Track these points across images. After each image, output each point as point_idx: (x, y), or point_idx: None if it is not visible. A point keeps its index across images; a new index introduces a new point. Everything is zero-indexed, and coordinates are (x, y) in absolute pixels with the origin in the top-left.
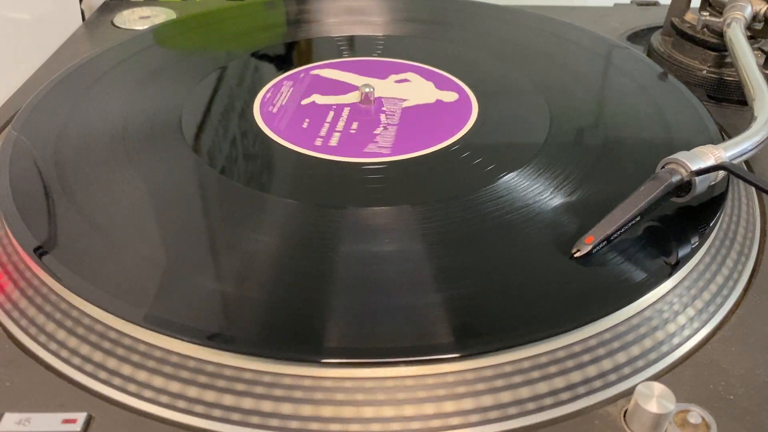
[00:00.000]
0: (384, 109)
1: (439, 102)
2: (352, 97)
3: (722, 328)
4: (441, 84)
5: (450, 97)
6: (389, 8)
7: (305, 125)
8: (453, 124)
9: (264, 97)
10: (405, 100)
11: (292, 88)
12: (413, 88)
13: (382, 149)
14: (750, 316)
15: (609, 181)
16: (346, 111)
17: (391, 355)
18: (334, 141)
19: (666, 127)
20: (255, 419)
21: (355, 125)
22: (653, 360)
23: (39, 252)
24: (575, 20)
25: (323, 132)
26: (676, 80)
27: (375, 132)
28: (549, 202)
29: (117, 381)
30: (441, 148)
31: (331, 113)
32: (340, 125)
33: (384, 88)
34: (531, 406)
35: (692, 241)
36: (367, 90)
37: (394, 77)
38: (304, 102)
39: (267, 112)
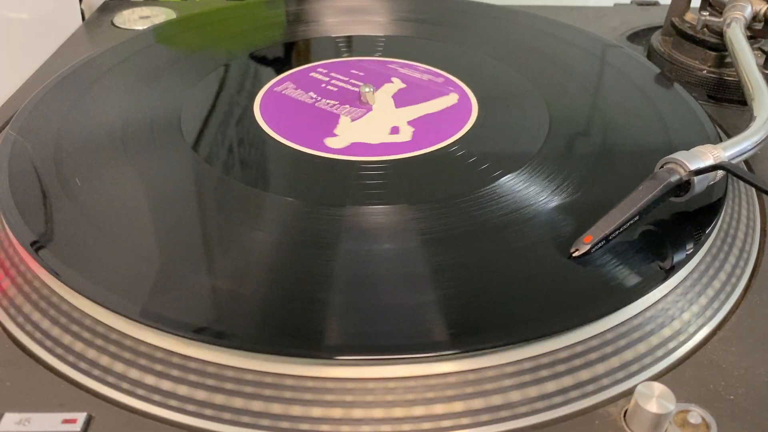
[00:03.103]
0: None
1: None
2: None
3: (722, 328)
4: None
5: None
6: (390, 8)
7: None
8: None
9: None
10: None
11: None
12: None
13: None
14: (750, 316)
15: (607, 181)
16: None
17: (387, 353)
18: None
19: (665, 127)
20: (246, 419)
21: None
22: (653, 360)
23: (38, 251)
24: (575, 20)
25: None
26: (675, 80)
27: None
28: (547, 203)
29: (117, 381)
30: (440, 148)
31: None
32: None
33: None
34: (531, 406)
35: (691, 243)
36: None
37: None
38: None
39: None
